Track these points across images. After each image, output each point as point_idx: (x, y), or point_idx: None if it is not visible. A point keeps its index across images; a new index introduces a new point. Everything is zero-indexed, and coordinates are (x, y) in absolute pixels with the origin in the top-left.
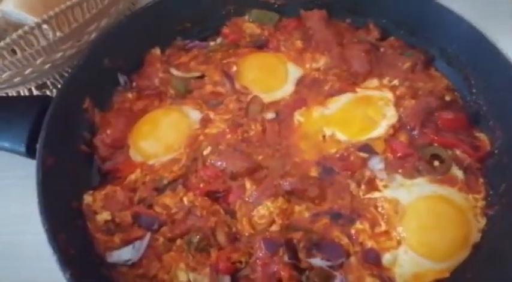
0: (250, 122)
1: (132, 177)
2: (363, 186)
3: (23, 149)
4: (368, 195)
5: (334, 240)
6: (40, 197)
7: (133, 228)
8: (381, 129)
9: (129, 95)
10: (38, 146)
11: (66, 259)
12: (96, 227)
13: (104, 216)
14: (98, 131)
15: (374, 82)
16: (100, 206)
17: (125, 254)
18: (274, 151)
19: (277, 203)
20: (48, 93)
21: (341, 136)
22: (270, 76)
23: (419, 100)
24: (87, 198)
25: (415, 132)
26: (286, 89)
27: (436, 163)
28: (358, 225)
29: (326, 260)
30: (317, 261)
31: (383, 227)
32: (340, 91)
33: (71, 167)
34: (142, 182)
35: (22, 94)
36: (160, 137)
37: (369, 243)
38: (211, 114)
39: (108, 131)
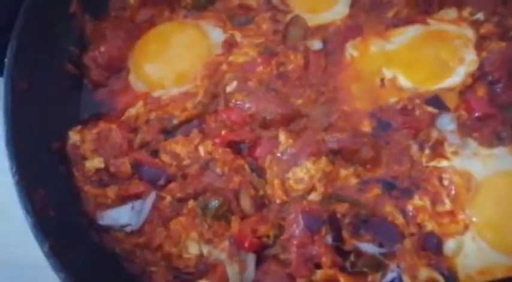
0: (289, 51)
1: (132, 111)
2: (427, 151)
3: None
4: (432, 163)
5: (386, 217)
6: (8, 134)
7: (133, 182)
8: (456, 77)
9: (131, 0)
10: (6, 61)
11: (43, 225)
12: (84, 177)
13: (95, 162)
14: (89, 46)
15: (451, 13)
16: (90, 148)
17: (121, 216)
18: (318, 94)
19: (320, 165)
20: None
21: (404, 82)
22: None
23: (510, 43)
24: (74, 136)
25: (499, 86)
26: (338, 10)
27: None
28: (417, 200)
29: (378, 245)
30: (367, 247)
31: (448, 206)
32: (408, 21)
33: (52, 94)
34: (146, 121)
35: None
36: (171, 60)
37: (429, 225)
38: (238, 36)
39: (103, 47)
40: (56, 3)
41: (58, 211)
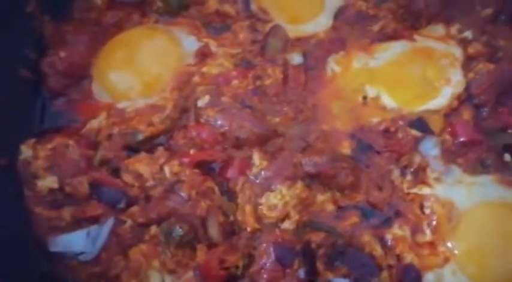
0: (267, 65)
1: (94, 124)
2: (408, 176)
3: None
4: (414, 190)
5: (363, 248)
6: None
7: (91, 203)
8: (441, 99)
9: (98, 1)
10: None
11: None
12: (35, 198)
13: (49, 182)
14: (47, 50)
15: (439, 29)
16: (43, 166)
17: (75, 242)
18: (297, 112)
19: (295, 190)
20: None
21: (388, 101)
22: None
23: (499, 65)
24: (26, 151)
25: (485, 110)
26: (321, 22)
27: (509, 158)
28: (397, 229)
29: (353, 280)
30: None
31: (428, 237)
32: (394, 36)
33: (4, 103)
34: (108, 135)
35: None
36: (138, 69)
37: (408, 257)
38: (213, 45)
39: (63, 53)
40: (11, 1)
41: (4, 239)
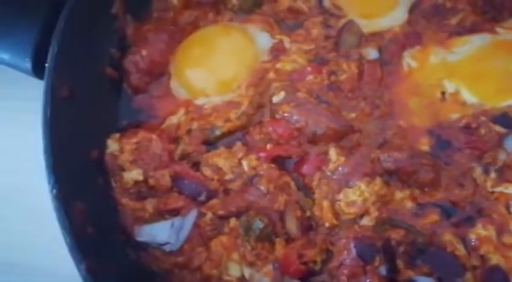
0: (341, 60)
1: (173, 119)
2: (492, 174)
3: (27, 64)
4: (499, 189)
5: (445, 247)
6: (47, 145)
7: (172, 195)
8: None
9: (174, 1)
10: (47, 66)
11: (82, 243)
12: (122, 189)
13: (134, 174)
14: (130, 49)
15: None
16: (129, 159)
17: (160, 233)
18: (373, 107)
19: (374, 186)
20: None
21: (469, 96)
22: None
23: None
24: (112, 145)
25: None
26: (396, 16)
27: None
28: (480, 229)
29: (436, 279)
30: (424, 281)
31: None
32: (473, 29)
33: (92, 99)
34: (187, 131)
35: None
36: (214, 66)
37: (494, 258)
38: (287, 41)
39: (144, 51)
40: (98, 3)
41: (96, 227)
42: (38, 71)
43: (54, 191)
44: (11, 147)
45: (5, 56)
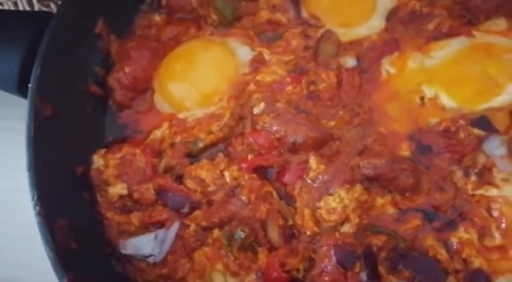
0: (320, 69)
1: (157, 134)
2: (473, 177)
3: (12, 84)
4: (479, 192)
5: (427, 252)
6: (30, 162)
7: (156, 208)
8: (506, 96)
9: (157, 18)
10: (30, 86)
11: (65, 258)
12: (107, 204)
13: (119, 189)
14: (113, 66)
15: (499, 24)
16: (114, 174)
17: (144, 245)
18: (352, 115)
19: (354, 193)
20: (53, 6)
21: (447, 101)
22: (353, 2)
23: None
24: (98, 160)
25: None
26: (374, 24)
27: None
28: (462, 232)
29: None
30: None
31: (497, 240)
32: (450, 33)
33: (76, 117)
34: (171, 144)
35: (21, 7)
36: (196, 80)
37: (476, 261)
38: (266, 53)
39: (127, 68)
40: (82, 23)
41: (80, 241)
42: (23, 90)
43: (37, 207)
44: None
45: None
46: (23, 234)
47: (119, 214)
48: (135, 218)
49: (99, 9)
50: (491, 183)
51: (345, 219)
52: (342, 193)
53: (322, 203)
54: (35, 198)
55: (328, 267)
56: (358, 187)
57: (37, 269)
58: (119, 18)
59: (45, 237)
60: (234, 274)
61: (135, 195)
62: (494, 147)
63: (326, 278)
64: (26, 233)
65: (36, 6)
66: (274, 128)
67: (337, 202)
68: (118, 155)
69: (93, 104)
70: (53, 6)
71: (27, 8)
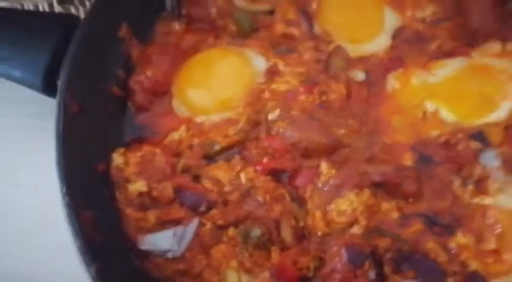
0: (331, 81)
1: (175, 136)
2: (470, 187)
3: (38, 82)
4: (476, 200)
5: (428, 254)
6: (60, 155)
7: (174, 207)
8: (501, 112)
9: (176, 26)
10: (59, 84)
11: (91, 249)
12: (127, 200)
13: (138, 186)
14: (135, 70)
15: (495, 47)
16: (134, 172)
17: (163, 241)
18: (361, 124)
19: (363, 197)
20: (72, 10)
21: (447, 115)
22: (362, 21)
23: None
24: (117, 158)
25: None
26: (380, 42)
27: None
28: (460, 237)
29: None
30: None
31: (492, 244)
32: (451, 53)
33: (99, 116)
34: (188, 146)
35: (41, 9)
36: (214, 87)
37: (473, 264)
38: (281, 64)
39: (149, 72)
40: (107, 27)
41: (103, 235)
42: (47, 88)
43: (66, 198)
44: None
45: (17, 74)
46: (21, 228)
47: (137, 211)
48: (152, 215)
49: (123, 14)
50: (486, 193)
51: (354, 221)
52: (352, 196)
53: (332, 206)
54: (63, 191)
55: (339, 266)
56: (367, 191)
57: (33, 262)
58: (140, 23)
59: (73, 228)
60: (248, 271)
61: (154, 193)
62: (490, 159)
63: (337, 276)
64: (24, 226)
65: (56, 9)
66: (289, 134)
67: (347, 205)
68: (139, 154)
69: (113, 105)
70: (73, 10)
71: (48, 11)
